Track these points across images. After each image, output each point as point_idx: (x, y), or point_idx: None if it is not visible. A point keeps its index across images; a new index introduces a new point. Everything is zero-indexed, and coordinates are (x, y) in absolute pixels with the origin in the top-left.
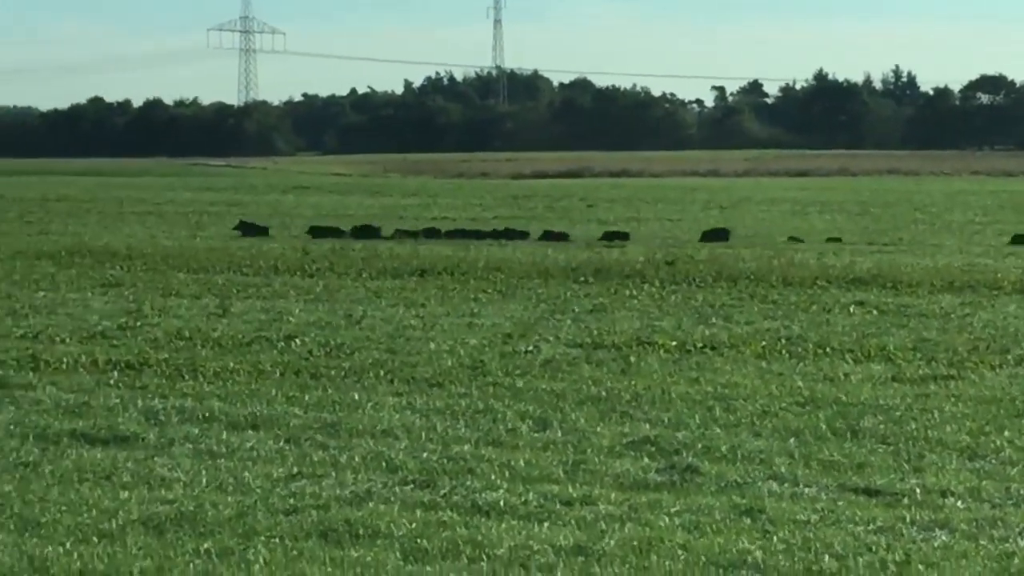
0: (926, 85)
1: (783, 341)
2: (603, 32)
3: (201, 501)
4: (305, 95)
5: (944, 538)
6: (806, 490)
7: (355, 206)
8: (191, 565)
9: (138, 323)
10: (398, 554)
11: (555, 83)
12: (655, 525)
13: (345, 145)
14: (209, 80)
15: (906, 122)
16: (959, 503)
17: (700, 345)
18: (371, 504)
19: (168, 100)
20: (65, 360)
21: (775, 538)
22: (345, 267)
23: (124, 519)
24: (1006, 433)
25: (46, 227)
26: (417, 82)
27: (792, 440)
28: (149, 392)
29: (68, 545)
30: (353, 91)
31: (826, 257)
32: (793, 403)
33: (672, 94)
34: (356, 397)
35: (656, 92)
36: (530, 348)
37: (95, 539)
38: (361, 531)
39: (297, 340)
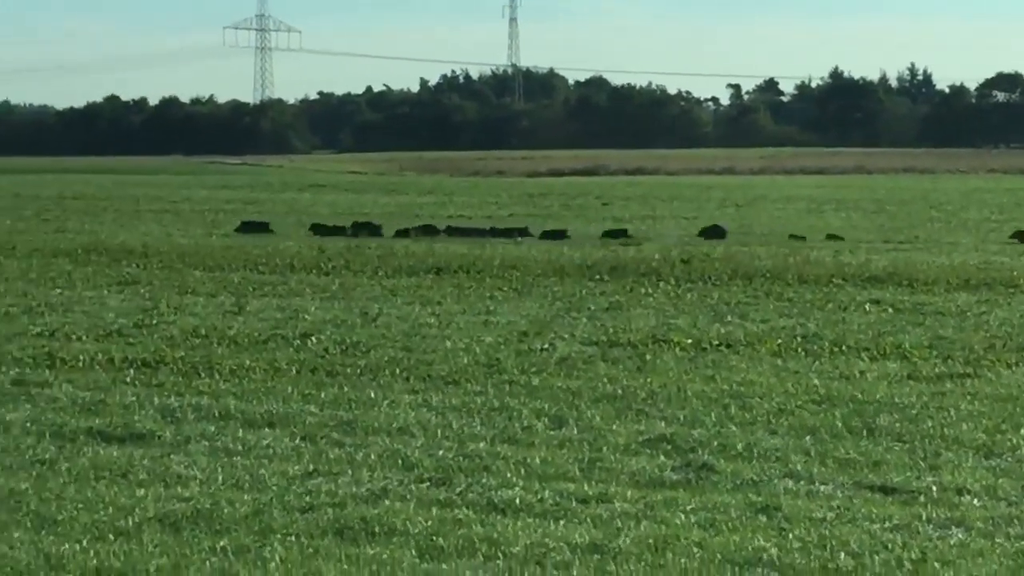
0: (942, 83)
1: (799, 339)
2: (618, 30)
3: (217, 499)
4: (321, 93)
5: (960, 536)
6: (822, 488)
7: (370, 204)
8: (207, 563)
9: (154, 321)
10: (414, 552)
11: (571, 81)
12: (671, 523)
13: (361, 143)
14: (225, 78)
15: (922, 120)
16: (975, 501)
17: (716, 343)
18: (387, 502)
19: (184, 98)
20: (81, 358)
21: (791, 536)
22: (361, 265)
23: (140, 517)
24: (1022, 431)
25: (63, 225)
26: (433, 80)
27: (808, 438)
28: (165, 390)
29: (84, 543)
30: (369, 89)
31: (842, 255)
32: (809, 401)
33: (688, 92)
34: (372, 395)
35: (672, 90)
36: (546, 346)
37: (111, 537)
38: (377, 529)
39: (313, 338)
